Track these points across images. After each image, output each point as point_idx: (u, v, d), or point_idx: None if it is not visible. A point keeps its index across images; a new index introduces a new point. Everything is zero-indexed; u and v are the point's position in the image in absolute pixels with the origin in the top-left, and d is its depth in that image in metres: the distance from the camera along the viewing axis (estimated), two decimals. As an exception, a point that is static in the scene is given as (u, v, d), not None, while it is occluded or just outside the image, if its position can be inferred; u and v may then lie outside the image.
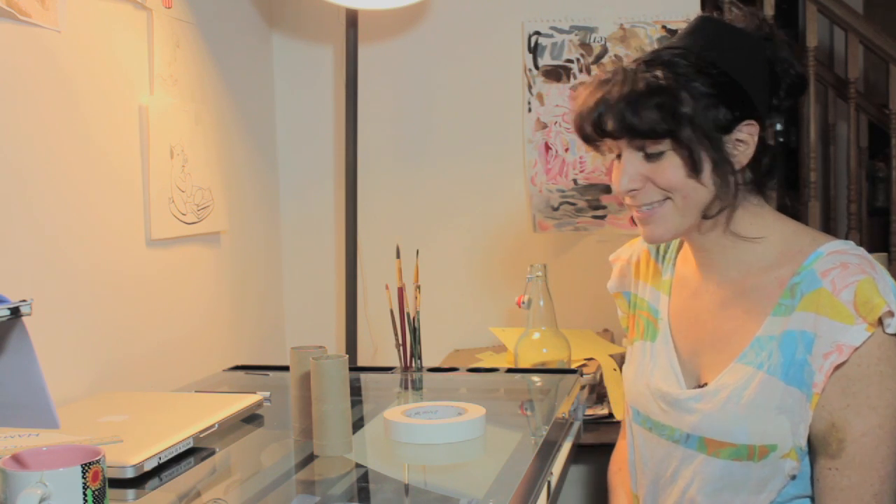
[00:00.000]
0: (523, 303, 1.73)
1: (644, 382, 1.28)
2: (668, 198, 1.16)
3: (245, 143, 2.13)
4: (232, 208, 2.02)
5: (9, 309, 1.08)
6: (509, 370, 1.76)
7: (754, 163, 1.17)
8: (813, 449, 1.13)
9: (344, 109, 2.12)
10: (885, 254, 2.30)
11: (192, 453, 1.23)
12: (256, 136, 2.20)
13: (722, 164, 1.14)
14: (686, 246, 1.30)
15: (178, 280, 1.80)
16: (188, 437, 1.21)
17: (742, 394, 1.14)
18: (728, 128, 1.14)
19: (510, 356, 1.85)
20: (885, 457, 1.08)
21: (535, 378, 1.68)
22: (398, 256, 1.75)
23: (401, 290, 1.74)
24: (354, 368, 1.80)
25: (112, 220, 1.59)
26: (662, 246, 1.35)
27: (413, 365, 1.76)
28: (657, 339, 1.29)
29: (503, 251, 2.27)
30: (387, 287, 1.77)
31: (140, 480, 1.10)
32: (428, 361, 1.80)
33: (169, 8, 1.77)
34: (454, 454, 1.24)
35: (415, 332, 1.74)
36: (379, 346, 2.25)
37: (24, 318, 1.11)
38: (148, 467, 1.12)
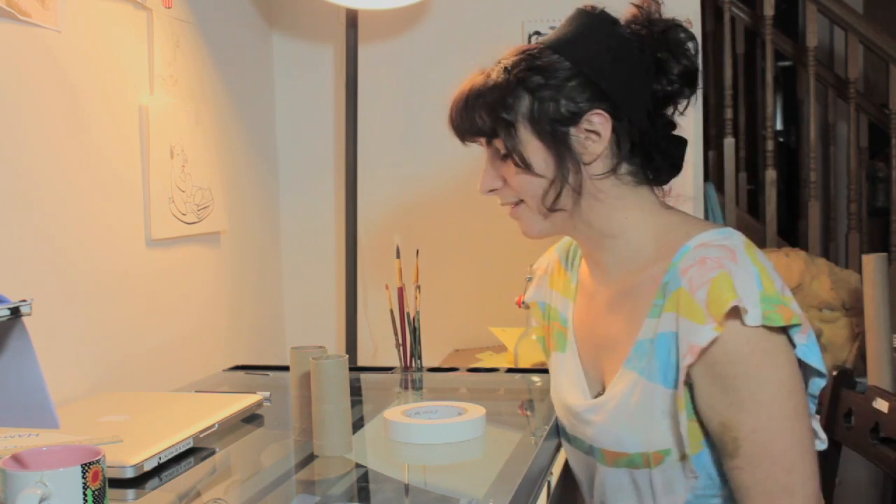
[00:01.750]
0: (523, 303, 1.73)
1: (558, 397, 1.28)
2: (522, 200, 1.17)
3: (245, 143, 2.13)
4: (232, 208, 2.02)
5: (9, 309, 1.08)
6: (509, 370, 1.76)
7: (616, 154, 1.14)
8: (717, 450, 1.10)
9: (344, 109, 2.12)
10: (885, 254, 2.30)
11: (192, 453, 1.23)
12: (256, 136, 2.20)
13: (560, 155, 1.13)
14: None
15: (178, 280, 1.80)
16: (188, 437, 1.21)
17: (629, 401, 1.12)
18: (573, 118, 1.12)
19: (510, 356, 1.85)
20: (785, 448, 1.05)
21: (535, 378, 1.68)
22: (398, 256, 1.75)
23: (401, 290, 1.74)
24: (354, 368, 1.80)
25: (112, 220, 1.59)
26: (571, 251, 1.34)
27: (413, 365, 1.76)
28: (566, 350, 1.28)
29: (503, 251, 2.27)
30: (387, 287, 1.77)
31: (140, 480, 1.10)
32: (428, 361, 1.80)
33: (169, 8, 1.77)
34: (454, 454, 1.24)
35: (415, 332, 1.74)
36: (379, 346, 2.25)
37: (24, 318, 1.11)
38: (148, 467, 1.12)
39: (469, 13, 2.25)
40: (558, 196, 1.14)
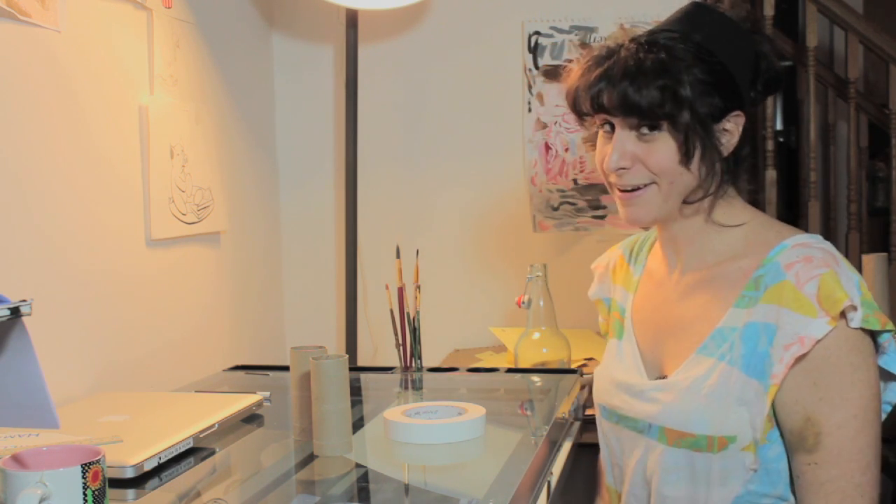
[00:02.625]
0: (523, 303, 1.73)
1: (608, 378, 1.29)
2: (654, 182, 1.17)
3: (245, 143, 2.13)
4: (232, 208, 2.02)
5: (9, 309, 1.08)
6: (509, 370, 1.76)
7: (734, 153, 1.18)
8: (790, 446, 1.12)
9: (344, 109, 2.12)
10: (885, 254, 2.30)
11: (192, 453, 1.23)
12: (256, 136, 2.20)
13: (711, 151, 1.15)
14: (657, 242, 1.30)
15: (178, 280, 1.80)
16: (188, 437, 1.21)
17: (703, 384, 1.14)
18: (719, 117, 1.15)
19: (510, 356, 1.85)
20: (864, 447, 1.09)
21: (535, 378, 1.68)
22: (398, 256, 1.76)
23: (401, 290, 1.74)
24: (354, 368, 1.80)
25: (112, 220, 1.59)
26: (636, 248, 1.37)
27: (413, 365, 1.76)
28: (623, 336, 1.30)
29: (503, 251, 2.27)
30: (387, 287, 1.77)
31: (140, 480, 1.10)
32: (428, 361, 1.80)
33: (169, 8, 1.77)
34: (454, 454, 1.24)
35: (415, 332, 1.74)
36: (379, 346, 2.25)
37: (24, 318, 1.11)
38: (148, 467, 1.12)
39: (469, 13, 2.25)
40: (707, 192, 1.17)
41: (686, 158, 1.14)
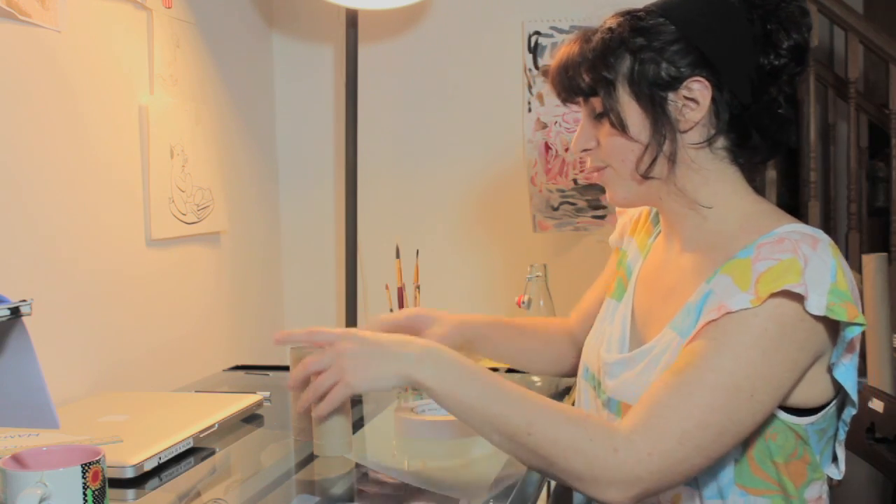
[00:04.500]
0: (523, 303, 1.73)
1: (595, 342, 1.26)
2: (608, 164, 1.16)
3: (245, 143, 2.13)
4: (232, 208, 2.02)
5: (9, 309, 1.08)
6: (509, 370, 1.76)
7: (714, 125, 1.12)
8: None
9: (344, 109, 2.12)
10: (885, 254, 2.30)
11: (192, 453, 1.23)
12: (256, 136, 2.20)
13: (657, 119, 1.11)
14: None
15: (178, 280, 1.80)
16: (188, 437, 1.21)
17: (660, 359, 1.11)
18: (673, 83, 1.10)
19: (510, 356, 1.84)
20: (715, 406, 0.98)
21: (535, 378, 1.68)
22: (398, 256, 1.75)
23: (401, 290, 1.74)
24: (354, 368, 1.80)
25: (112, 220, 1.59)
26: None
27: (413, 365, 1.75)
28: (622, 300, 1.27)
29: (503, 251, 2.27)
30: (387, 287, 1.77)
31: (140, 480, 1.11)
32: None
33: (169, 8, 1.77)
34: (461, 451, 1.24)
35: (415, 332, 1.74)
36: (379, 346, 2.25)
37: (24, 318, 1.11)
38: (148, 467, 1.12)
39: (469, 13, 2.25)
40: (653, 162, 1.12)
41: (620, 129, 1.12)
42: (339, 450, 1.19)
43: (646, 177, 1.13)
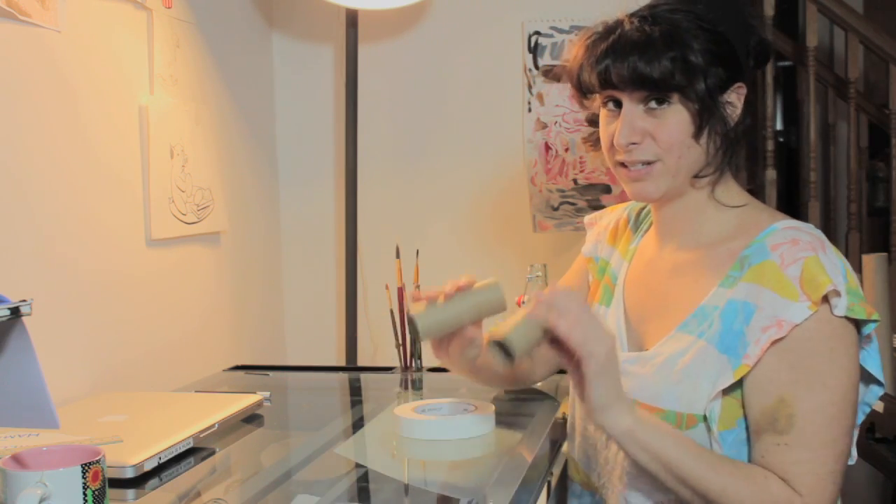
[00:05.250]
0: (523, 303, 1.73)
1: None
2: (660, 159, 1.14)
3: (245, 143, 2.13)
4: (232, 208, 2.02)
5: (9, 309, 1.08)
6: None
7: (736, 127, 1.16)
8: (757, 427, 1.09)
9: (344, 109, 2.12)
10: (885, 254, 2.30)
11: (192, 453, 1.23)
12: (256, 136, 2.20)
13: (720, 123, 1.13)
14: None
15: (178, 280, 1.80)
16: (188, 437, 1.21)
17: (678, 360, 1.12)
18: (724, 88, 1.13)
19: (510, 356, 1.84)
20: (838, 435, 1.06)
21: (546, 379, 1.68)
22: (398, 256, 1.75)
23: (401, 290, 1.74)
24: (354, 368, 1.81)
25: (112, 220, 1.59)
26: (642, 215, 1.33)
27: (413, 365, 1.76)
28: (611, 304, 1.28)
29: (503, 251, 2.27)
30: (387, 287, 1.77)
31: (140, 480, 1.11)
32: (428, 361, 1.80)
33: (169, 8, 1.77)
34: (463, 450, 1.24)
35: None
36: (379, 346, 2.25)
37: (24, 318, 1.11)
38: (148, 467, 1.12)
39: (469, 13, 2.25)
40: (717, 166, 1.15)
41: (698, 131, 1.12)
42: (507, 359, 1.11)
43: (699, 177, 1.16)
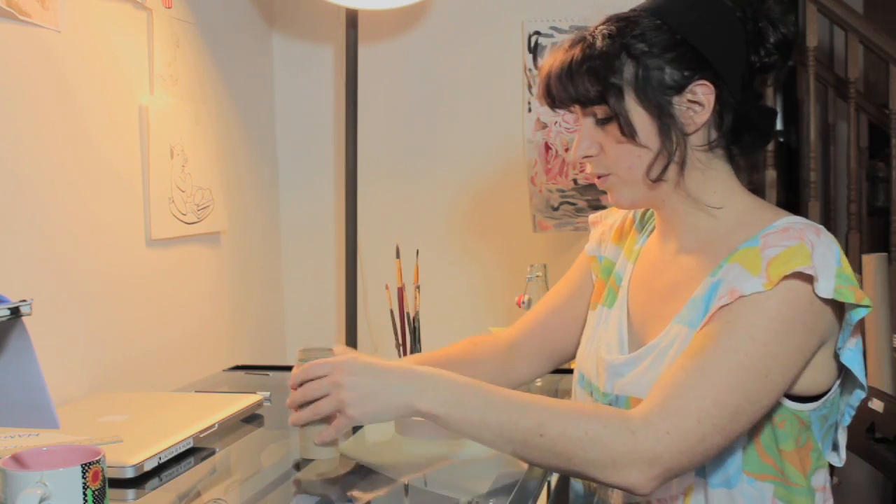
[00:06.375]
0: (523, 303, 1.73)
1: (593, 348, 1.26)
2: (612, 172, 1.15)
3: (245, 143, 2.13)
4: (232, 208, 2.02)
5: (9, 309, 1.08)
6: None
7: (718, 126, 1.13)
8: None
9: (344, 109, 2.12)
10: (885, 254, 2.30)
11: (192, 453, 1.23)
12: (256, 136, 2.20)
13: (665, 125, 1.11)
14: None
15: (178, 280, 1.80)
16: (188, 437, 1.21)
17: (668, 352, 1.11)
18: (677, 88, 1.11)
19: (510, 356, 1.84)
20: (727, 385, 0.99)
21: (538, 381, 1.68)
22: (398, 256, 1.76)
23: (401, 290, 1.74)
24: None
25: (112, 220, 1.59)
26: (647, 215, 1.32)
27: (413, 365, 1.75)
28: (614, 306, 1.27)
29: (503, 251, 2.27)
30: (387, 287, 1.77)
31: (140, 480, 1.11)
32: (428, 361, 1.80)
33: (169, 8, 1.77)
34: (462, 450, 1.24)
35: (415, 332, 1.74)
36: (379, 346, 2.25)
37: (24, 318, 1.11)
38: (148, 467, 1.12)
39: (469, 13, 2.25)
40: (665, 168, 1.13)
41: (630, 137, 1.11)
42: (323, 453, 1.16)
43: (656, 181, 1.14)
